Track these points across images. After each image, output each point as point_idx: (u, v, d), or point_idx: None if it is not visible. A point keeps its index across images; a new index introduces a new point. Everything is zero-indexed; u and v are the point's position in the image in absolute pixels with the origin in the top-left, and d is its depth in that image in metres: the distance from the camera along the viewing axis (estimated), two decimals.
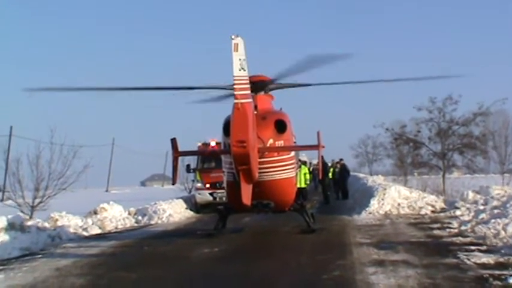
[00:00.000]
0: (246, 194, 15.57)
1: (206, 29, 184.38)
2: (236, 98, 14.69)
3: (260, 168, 16.21)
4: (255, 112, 16.38)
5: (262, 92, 18.36)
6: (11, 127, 59.12)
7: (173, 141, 17.70)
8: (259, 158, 16.22)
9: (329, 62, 16.88)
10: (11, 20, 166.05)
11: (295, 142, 19.15)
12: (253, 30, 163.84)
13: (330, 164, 35.60)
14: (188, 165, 32.01)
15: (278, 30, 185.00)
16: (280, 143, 17.37)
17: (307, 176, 27.77)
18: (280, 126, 17.45)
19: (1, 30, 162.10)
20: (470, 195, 23.81)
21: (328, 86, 19.15)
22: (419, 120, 36.53)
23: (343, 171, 35.65)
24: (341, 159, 37.50)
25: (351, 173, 40.93)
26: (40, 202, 24.05)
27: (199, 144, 29.40)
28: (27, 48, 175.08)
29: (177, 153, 17.88)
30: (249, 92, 15.16)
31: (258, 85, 18.00)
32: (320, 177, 24.57)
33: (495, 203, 20.74)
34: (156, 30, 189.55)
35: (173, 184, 20.94)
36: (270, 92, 18.88)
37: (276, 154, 17.39)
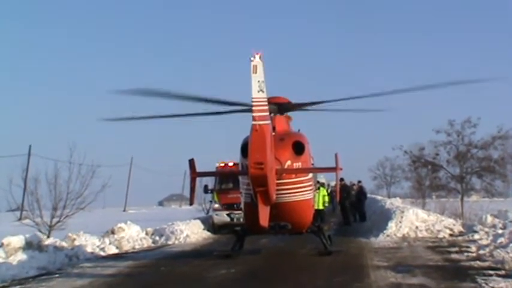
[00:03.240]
0: (264, 215, 15.55)
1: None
2: (254, 120, 14.72)
3: (278, 190, 16.18)
4: (273, 133, 16.44)
5: (280, 114, 18.42)
6: (30, 146, 59.52)
7: (191, 162, 17.74)
8: (277, 179, 16.22)
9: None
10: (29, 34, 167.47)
11: (313, 164, 19.14)
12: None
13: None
14: (206, 186, 32.06)
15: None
16: (298, 164, 17.36)
17: (326, 198, 27.70)
18: (298, 148, 17.46)
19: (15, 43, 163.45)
20: (489, 219, 23.61)
21: (344, 107, 18.97)
22: (438, 143, 36.52)
23: (360, 194, 35.54)
24: (359, 182, 37.42)
25: (369, 195, 40.79)
26: (58, 221, 24.19)
27: (218, 165, 29.46)
28: (45, 63, 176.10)
29: (194, 174, 17.89)
30: (267, 113, 15.20)
31: (276, 106, 18.08)
32: (338, 199, 24.50)
33: None
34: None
35: (190, 205, 20.98)
36: (288, 113, 18.93)
37: (293, 176, 17.37)
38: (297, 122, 19.45)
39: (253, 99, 14.64)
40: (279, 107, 18.27)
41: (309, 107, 19.24)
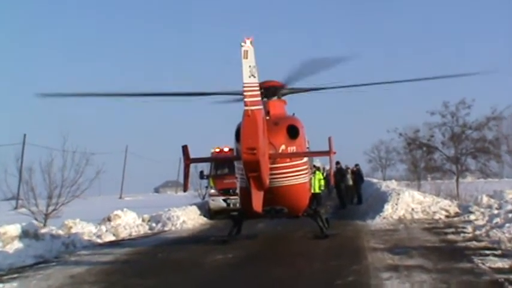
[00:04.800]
0: (257, 200, 15.57)
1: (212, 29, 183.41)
2: (246, 105, 14.71)
3: (273, 174, 16.20)
4: (267, 118, 16.41)
5: (275, 97, 18.39)
6: (25, 135, 59.33)
7: (184, 149, 17.70)
8: (272, 164, 16.22)
9: (339, 63, 16.91)
10: (20, 25, 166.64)
11: (308, 147, 19.14)
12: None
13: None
14: (202, 172, 32.03)
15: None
16: (292, 148, 17.34)
17: (322, 182, 27.70)
18: (293, 132, 17.43)
19: (13, 34, 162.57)
20: (484, 199, 23.66)
21: (340, 90, 19.06)
22: (433, 124, 36.43)
23: (357, 177, 35.58)
24: (356, 165, 37.47)
25: (365, 178, 40.84)
26: (53, 210, 24.17)
27: (213, 150, 29.44)
28: (40, 52, 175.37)
29: (188, 161, 17.86)
30: (259, 98, 15.19)
31: (270, 90, 18.05)
32: (332, 182, 24.49)
33: (509, 207, 20.62)
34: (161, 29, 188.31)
35: (184, 191, 20.96)
36: (283, 97, 18.89)
37: (288, 160, 17.36)
38: (292, 105, 19.44)
39: (245, 85, 14.62)
40: (272, 90, 18.23)
41: (303, 91, 19.21)
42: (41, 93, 18.88)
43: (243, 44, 14.60)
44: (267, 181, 15.74)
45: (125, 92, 18.67)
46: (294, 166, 17.49)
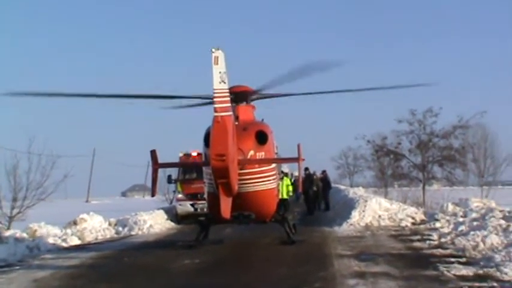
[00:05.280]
0: (225, 207, 15.52)
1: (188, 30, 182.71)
2: (216, 111, 14.66)
3: (241, 180, 16.18)
4: (236, 123, 16.39)
5: (244, 103, 18.39)
6: None
7: (153, 153, 17.57)
8: (240, 169, 16.21)
9: (311, 72, 16.95)
10: None
11: (277, 153, 19.16)
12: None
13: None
14: (169, 176, 31.93)
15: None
16: (261, 154, 17.34)
17: (290, 188, 27.72)
18: (261, 138, 17.43)
19: None
20: (450, 207, 23.93)
21: (309, 96, 19.16)
22: (400, 132, 36.82)
23: (324, 183, 35.68)
24: (323, 172, 37.57)
25: (333, 185, 41.01)
26: (18, 212, 23.91)
27: (181, 154, 29.33)
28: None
29: (156, 165, 17.75)
30: (229, 104, 15.17)
31: (240, 96, 18.04)
32: (300, 189, 24.55)
33: (474, 215, 20.91)
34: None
35: (152, 196, 20.80)
36: (252, 103, 18.90)
37: (256, 165, 17.36)
38: (260, 111, 19.46)
39: (215, 91, 14.59)
40: (242, 95, 18.24)
41: (272, 96, 19.24)
42: (9, 92, 18.54)
43: (213, 50, 14.59)
44: (236, 187, 15.70)
45: (90, 92, 18.41)
46: (262, 172, 17.49)
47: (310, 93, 19.12)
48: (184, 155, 29.24)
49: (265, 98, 19.15)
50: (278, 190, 20.23)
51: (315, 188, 33.94)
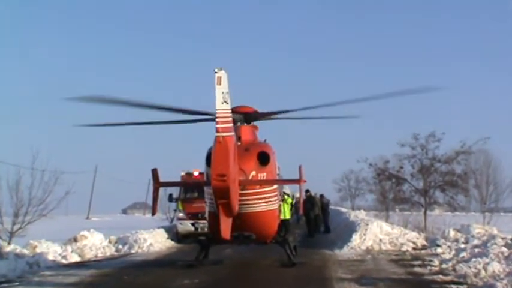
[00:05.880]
0: (225, 227, 15.45)
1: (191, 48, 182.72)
2: (218, 131, 14.63)
3: (242, 200, 16.15)
4: (239, 143, 16.40)
5: (246, 123, 18.42)
6: None
7: (154, 172, 17.57)
8: (241, 189, 16.18)
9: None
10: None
11: (278, 174, 19.14)
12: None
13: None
14: (171, 195, 31.83)
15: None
16: (262, 175, 17.34)
17: (291, 208, 27.69)
18: (263, 158, 17.44)
19: None
20: (452, 233, 23.87)
21: (312, 119, 19.12)
22: (402, 156, 36.69)
23: (324, 206, 35.66)
24: (321, 195, 37.58)
25: (333, 207, 41.01)
26: (19, 228, 23.84)
27: (183, 173, 29.34)
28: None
29: (158, 184, 17.75)
30: (231, 125, 15.19)
31: (242, 116, 18.07)
32: (301, 211, 24.45)
33: (476, 241, 20.83)
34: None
35: (153, 215, 20.75)
36: (255, 123, 18.93)
37: (258, 186, 17.36)
38: (262, 131, 19.49)
39: (218, 111, 14.59)
40: (245, 116, 18.28)
41: (274, 116, 19.26)
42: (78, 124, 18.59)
43: (216, 70, 14.61)
44: (236, 208, 15.64)
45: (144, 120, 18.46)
46: (263, 192, 17.49)
47: (311, 107, 18.95)
48: (186, 174, 29.26)
49: (268, 118, 19.17)
50: (279, 211, 20.19)
51: (316, 211, 33.88)
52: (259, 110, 18.81)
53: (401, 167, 37.24)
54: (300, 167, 17.54)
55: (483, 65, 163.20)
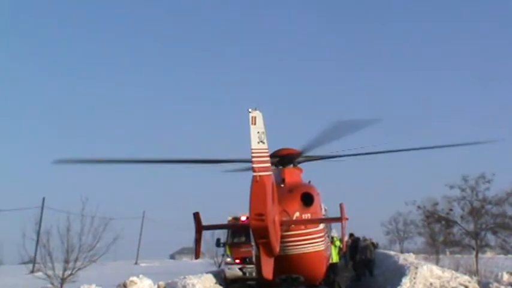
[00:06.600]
0: (267, 267, 15.34)
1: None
2: (254, 171, 14.68)
3: (287, 242, 16.13)
4: (282, 185, 16.44)
5: (291, 165, 18.47)
6: (44, 198, 59.43)
7: (196, 216, 17.67)
8: (286, 231, 16.15)
9: (357, 127, 16.98)
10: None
11: (324, 215, 19.07)
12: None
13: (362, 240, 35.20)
14: (218, 239, 31.84)
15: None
16: (307, 215, 17.29)
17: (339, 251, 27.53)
18: (307, 199, 17.42)
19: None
20: (505, 276, 23.36)
21: (356, 157, 19.03)
22: (452, 198, 36.34)
23: (372, 249, 35.29)
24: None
25: (382, 251, 40.51)
26: (70, 274, 24.15)
27: (230, 218, 29.35)
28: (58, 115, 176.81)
29: (199, 227, 17.83)
30: (268, 164, 15.25)
31: (286, 158, 18.15)
32: (344, 249, 24.15)
33: None
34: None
35: (196, 258, 20.84)
36: (299, 165, 18.96)
37: (303, 227, 17.31)
38: (308, 173, 19.49)
39: (253, 150, 14.66)
40: (288, 158, 18.34)
41: (319, 158, 19.29)
42: (58, 159, 19.00)
43: (250, 110, 14.76)
44: (277, 247, 15.51)
45: (131, 158, 18.89)
46: (309, 234, 17.43)
47: (358, 154, 18.92)
48: (233, 218, 29.26)
49: (311, 160, 19.19)
50: (328, 253, 20.05)
51: (368, 255, 33.49)
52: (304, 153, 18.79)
53: (451, 209, 36.85)
54: (341, 205, 17.46)
55: None
